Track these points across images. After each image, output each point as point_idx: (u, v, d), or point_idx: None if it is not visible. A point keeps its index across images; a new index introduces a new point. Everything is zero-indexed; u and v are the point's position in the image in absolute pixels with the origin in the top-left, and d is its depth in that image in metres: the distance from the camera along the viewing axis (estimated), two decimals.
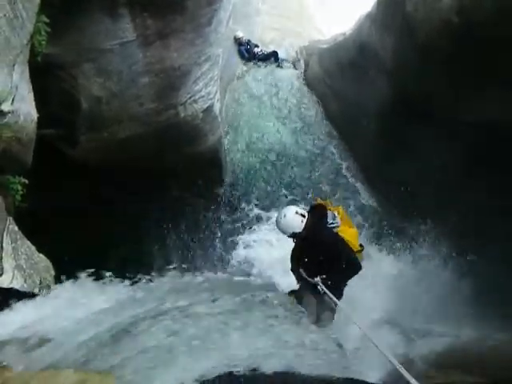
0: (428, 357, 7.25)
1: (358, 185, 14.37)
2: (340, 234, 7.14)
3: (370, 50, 13.76)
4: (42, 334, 3.86)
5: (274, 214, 13.01)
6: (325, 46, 18.30)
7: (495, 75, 9.39)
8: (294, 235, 7.08)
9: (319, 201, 8.07)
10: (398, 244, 11.23)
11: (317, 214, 7.26)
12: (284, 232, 7.05)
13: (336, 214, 7.39)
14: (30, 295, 5.04)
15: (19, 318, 4.11)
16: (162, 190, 11.81)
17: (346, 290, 7.27)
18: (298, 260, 7.39)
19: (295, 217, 6.93)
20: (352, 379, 4.52)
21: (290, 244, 7.53)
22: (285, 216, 6.96)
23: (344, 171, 15.10)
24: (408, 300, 9.35)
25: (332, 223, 7.23)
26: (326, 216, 7.26)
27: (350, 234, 7.25)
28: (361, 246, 7.49)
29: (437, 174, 11.05)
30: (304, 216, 6.97)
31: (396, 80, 12.39)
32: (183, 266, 10.81)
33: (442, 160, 10.85)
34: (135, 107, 10.96)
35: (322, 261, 7.00)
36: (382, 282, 9.40)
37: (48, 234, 7.60)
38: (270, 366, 4.25)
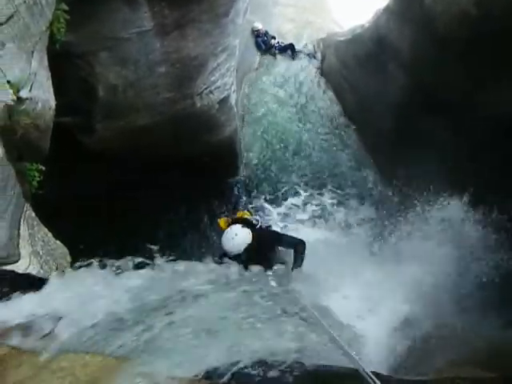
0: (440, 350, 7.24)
1: (374, 176, 14.27)
2: None
3: (388, 42, 13.70)
4: (57, 318, 3.88)
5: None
6: (342, 39, 18.20)
7: None
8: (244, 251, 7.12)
9: (240, 213, 8.39)
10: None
11: (247, 224, 7.44)
12: (238, 250, 7.03)
13: (257, 217, 8.11)
14: (45, 281, 5.06)
15: (34, 302, 4.12)
16: (178, 179, 11.80)
17: None
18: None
19: (244, 230, 7.11)
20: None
21: None
22: (236, 235, 7.04)
23: (359, 163, 15.02)
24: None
25: (261, 223, 7.75)
26: (252, 222, 7.59)
27: None
28: None
29: (452, 164, 10.97)
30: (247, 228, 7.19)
31: (413, 72, 12.35)
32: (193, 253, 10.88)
33: (459, 150, 10.78)
34: (152, 96, 10.98)
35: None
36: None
37: (63, 220, 7.60)
38: (280, 358, 4.26)
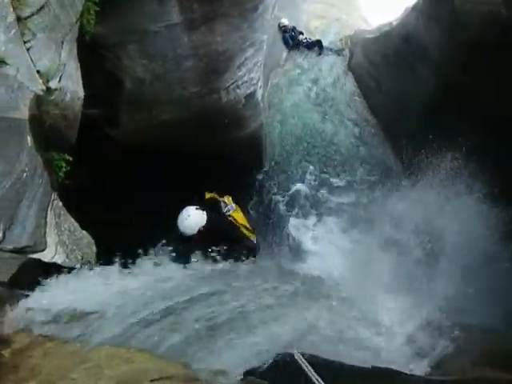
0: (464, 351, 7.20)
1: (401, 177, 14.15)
2: (234, 216, 7.73)
3: (416, 41, 13.63)
4: (83, 308, 3.89)
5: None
6: (370, 36, 18.10)
7: None
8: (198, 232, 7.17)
9: (208, 195, 8.31)
10: None
11: (211, 206, 7.59)
12: (192, 231, 7.13)
13: (226, 201, 7.94)
14: (71, 271, 5.08)
15: (60, 291, 4.14)
16: (202, 173, 11.79)
17: None
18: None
19: (198, 212, 7.20)
20: (389, 368, 4.48)
21: None
22: (189, 216, 7.15)
23: (387, 164, 14.93)
24: None
25: (228, 210, 7.75)
26: (219, 206, 7.79)
27: (241, 217, 7.84)
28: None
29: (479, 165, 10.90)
30: (204, 210, 7.24)
31: (441, 71, 12.26)
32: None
33: (487, 152, 10.69)
34: (178, 90, 11.00)
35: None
36: None
37: (87, 212, 7.63)
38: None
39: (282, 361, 3.91)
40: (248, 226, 7.89)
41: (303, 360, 3.88)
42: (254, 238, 7.86)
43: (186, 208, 7.28)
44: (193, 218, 7.14)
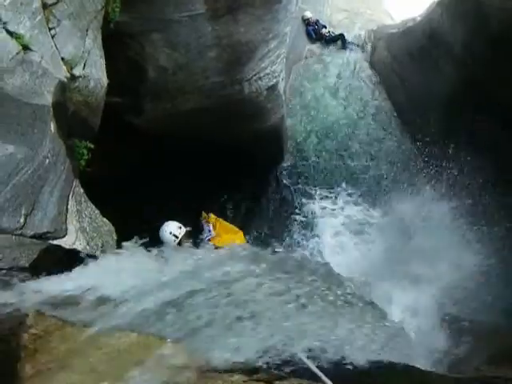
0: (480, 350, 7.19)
1: (424, 174, 14.06)
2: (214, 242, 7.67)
3: (440, 37, 13.55)
4: (103, 294, 3.90)
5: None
6: (393, 31, 17.98)
7: None
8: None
9: (204, 215, 8.37)
10: None
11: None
12: (171, 243, 7.47)
13: (211, 226, 7.92)
14: (92, 257, 5.12)
15: (81, 276, 4.15)
16: (222, 164, 11.81)
17: None
18: None
19: (175, 228, 7.54)
20: (408, 365, 4.47)
21: None
22: (166, 231, 7.51)
23: (408, 159, 14.84)
24: None
25: (206, 236, 7.79)
26: (202, 229, 7.88)
27: (223, 240, 7.75)
28: None
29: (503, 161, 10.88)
30: (177, 237, 7.49)
31: (465, 67, 12.17)
32: None
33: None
34: (201, 80, 11.00)
35: None
36: None
37: (106, 199, 7.67)
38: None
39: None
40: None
41: (307, 360, 3.88)
42: None
43: (167, 223, 7.60)
44: (162, 237, 7.48)
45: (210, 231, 7.82)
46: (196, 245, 7.11)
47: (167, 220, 7.61)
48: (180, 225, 7.60)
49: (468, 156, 11.14)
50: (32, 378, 3.27)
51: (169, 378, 3.27)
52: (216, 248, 7.58)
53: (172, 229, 7.47)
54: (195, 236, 7.64)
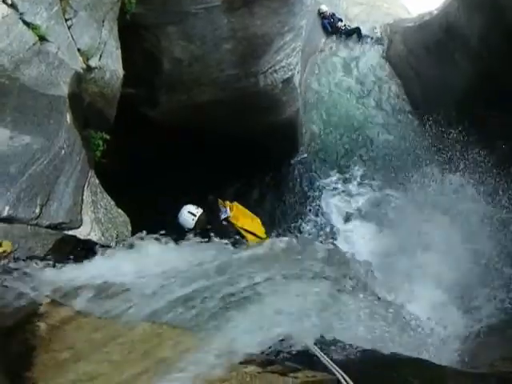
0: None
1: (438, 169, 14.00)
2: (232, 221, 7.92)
3: (457, 31, 13.47)
4: (119, 283, 3.92)
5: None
6: (410, 25, 17.88)
7: None
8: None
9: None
10: None
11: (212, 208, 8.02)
12: (190, 225, 7.65)
13: (228, 208, 8.03)
14: (107, 248, 5.13)
15: (97, 266, 4.17)
16: (237, 156, 11.80)
17: None
18: None
19: (193, 208, 7.74)
20: (422, 359, 4.46)
21: None
22: (185, 211, 7.69)
23: (423, 153, 14.77)
24: None
25: (224, 215, 7.93)
26: (218, 210, 8.00)
27: (242, 223, 8.00)
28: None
29: None
30: (194, 215, 7.66)
31: (482, 63, 12.10)
32: None
33: None
34: (216, 72, 11.00)
35: None
36: None
37: (122, 190, 7.70)
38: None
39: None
40: (253, 230, 8.10)
41: (320, 352, 3.88)
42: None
43: (185, 206, 7.74)
44: (186, 211, 7.66)
45: (226, 211, 7.92)
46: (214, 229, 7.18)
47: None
48: (197, 206, 7.75)
49: (480, 149, 11.14)
50: (47, 368, 3.29)
51: (182, 369, 3.27)
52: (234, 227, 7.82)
53: (190, 208, 7.65)
54: (212, 221, 7.70)
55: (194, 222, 7.58)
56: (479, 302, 9.34)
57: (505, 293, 9.63)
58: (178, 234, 4.80)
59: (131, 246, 4.42)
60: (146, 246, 4.34)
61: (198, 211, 7.66)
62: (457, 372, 4.58)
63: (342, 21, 19.37)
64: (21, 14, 5.16)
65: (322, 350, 3.91)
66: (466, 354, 6.66)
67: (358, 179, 14.14)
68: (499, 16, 11.06)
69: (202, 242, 4.84)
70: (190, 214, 7.60)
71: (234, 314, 4.02)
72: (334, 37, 19.19)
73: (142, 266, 4.16)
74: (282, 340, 4.00)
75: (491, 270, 10.06)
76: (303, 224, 12.97)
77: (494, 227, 10.67)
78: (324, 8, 18.99)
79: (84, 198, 5.84)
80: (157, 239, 4.46)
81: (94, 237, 5.68)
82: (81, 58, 6.26)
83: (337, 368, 3.56)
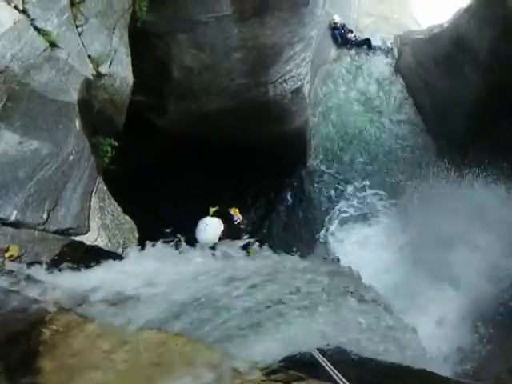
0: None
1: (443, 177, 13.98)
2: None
3: (467, 44, 13.45)
4: (125, 291, 3.91)
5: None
6: (420, 37, 17.88)
7: None
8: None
9: (213, 209, 8.17)
10: None
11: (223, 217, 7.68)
12: (214, 240, 7.07)
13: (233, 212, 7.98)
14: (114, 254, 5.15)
15: (104, 273, 4.17)
16: (246, 165, 11.80)
17: None
18: None
19: (214, 220, 7.27)
20: (426, 370, 4.44)
21: None
22: (207, 225, 7.10)
23: (431, 164, 14.76)
24: None
25: (237, 220, 7.89)
26: (230, 217, 7.82)
27: None
28: None
29: None
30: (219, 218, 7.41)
31: (492, 75, 12.09)
32: None
33: None
34: (226, 81, 11.02)
35: None
36: None
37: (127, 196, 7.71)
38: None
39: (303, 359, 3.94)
40: None
41: (322, 358, 3.87)
42: None
43: (203, 219, 7.27)
44: (211, 227, 7.14)
45: (238, 217, 7.92)
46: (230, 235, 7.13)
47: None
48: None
49: (489, 161, 11.12)
50: (51, 373, 3.29)
51: (188, 377, 3.27)
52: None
53: (209, 222, 7.23)
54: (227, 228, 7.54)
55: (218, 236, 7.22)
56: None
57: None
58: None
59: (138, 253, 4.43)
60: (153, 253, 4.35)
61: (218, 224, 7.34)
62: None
63: (352, 32, 19.38)
64: (32, 19, 5.18)
65: (325, 357, 3.90)
66: (470, 366, 6.64)
67: (367, 190, 14.10)
68: (510, 29, 11.05)
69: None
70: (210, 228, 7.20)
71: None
72: (344, 48, 19.19)
73: (148, 273, 4.16)
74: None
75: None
76: (310, 235, 12.95)
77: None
78: (337, 19, 18.98)
79: (91, 204, 5.84)
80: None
81: (101, 243, 5.68)
82: (91, 65, 6.28)
83: (340, 377, 3.54)
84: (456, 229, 10.82)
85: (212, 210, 8.01)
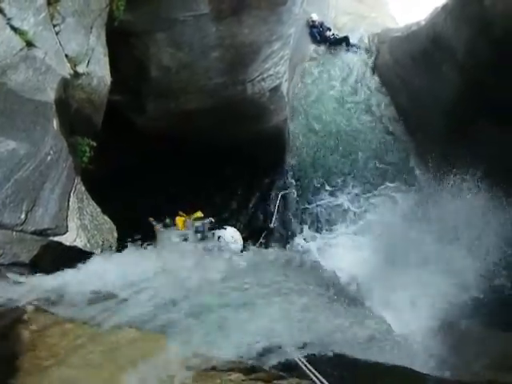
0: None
1: (421, 174, 14.08)
2: None
3: (444, 42, 13.53)
4: (105, 290, 3.92)
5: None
6: (397, 35, 17.95)
7: None
8: None
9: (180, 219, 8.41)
10: None
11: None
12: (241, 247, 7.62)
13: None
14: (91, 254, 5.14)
15: (84, 273, 4.17)
16: (223, 165, 11.82)
17: None
18: None
19: (234, 230, 7.82)
20: (404, 367, 4.48)
21: None
22: (233, 237, 7.61)
23: (409, 161, 14.88)
24: None
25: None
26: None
27: None
28: None
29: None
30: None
31: (469, 73, 12.18)
32: None
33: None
34: (204, 80, 11.02)
35: None
36: None
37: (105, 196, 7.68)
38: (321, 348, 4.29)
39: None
40: None
41: (306, 364, 3.89)
42: None
43: (227, 230, 7.71)
44: (238, 238, 7.63)
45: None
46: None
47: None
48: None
49: (468, 157, 11.21)
50: (30, 374, 3.28)
51: (167, 376, 3.27)
52: None
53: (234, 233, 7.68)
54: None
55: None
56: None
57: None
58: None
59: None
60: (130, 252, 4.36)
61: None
62: (440, 380, 4.60)
63: (330, 30, 19.38)
64: (8, 19, 5.16)
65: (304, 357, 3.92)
66: (445, 362, 6.70)
67: (344, 189, 14.16)
68: (486, 28, 11.15)
69: None
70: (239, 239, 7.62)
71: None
72: (323, 45, 19.21)
73: (126, 272, 4.17)
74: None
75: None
76: (291, 232, 12.99)
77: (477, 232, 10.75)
78: (315, 17, 18.99)
79: (70, 204, 5.81)
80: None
81: (80, 243, 5.66)
82: (68, 64, 6.26)
83: (318, 375, 3.56)
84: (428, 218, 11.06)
85: (180, 220, 8.11)
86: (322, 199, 13.90)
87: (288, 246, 12.47)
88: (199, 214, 8.40)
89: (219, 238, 7.50)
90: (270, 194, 13.59)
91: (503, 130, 10.85)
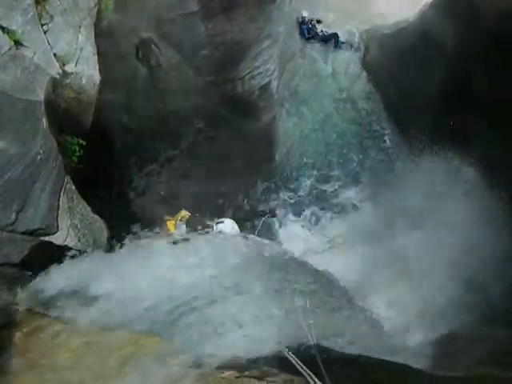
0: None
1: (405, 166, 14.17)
2: None
3: (433, 37, 13.58)
4: (98, 290, 3.91)
5: None
6: (386, 32, 17.97)
7: None
8: None
9: (171, 222, 8.88)
10: None
11: None
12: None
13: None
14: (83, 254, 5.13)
15: (75, 273, 4.16)
16: (212, 163, 11.81)
17: None
18: None
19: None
20: (396, 362, 4.49)
21: None
22: (233, 228, 8.28)
23: (396, 156, 14.95)
24: None
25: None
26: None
27: None
28: None
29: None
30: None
31: (458, 67, 12.23)
32: None
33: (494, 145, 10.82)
34: (194, 78, 10.98)
35: None
36: None
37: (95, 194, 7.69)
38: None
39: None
40: None
41: (293, 357, 3.90)
42: None
43: (226, 222, 8.24)
44: (236, 227, 8.29)
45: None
46: None
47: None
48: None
49: (454, 151, 11.30)
50: (22, 375, 3.27)
51: (160, 375, 3.27)
52: None
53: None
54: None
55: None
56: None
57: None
58: None
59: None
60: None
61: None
62: (433, 375, 4.61)
63: (320, 22, 19.27)
64: None
65: (294, 353, 3.93)
66: (439, 358, 6.73)
67: (333, 184, 14.23)
68: (475, 22, 11.20)
69: None
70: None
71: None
72: (312, 43, 19.16)
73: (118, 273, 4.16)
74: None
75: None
76: (276, 228, 13.09)
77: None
78: (304, 13, 18.94)
79: (60, 203, 5.79)
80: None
81: (71, 242, 5.65)
82: (57, 63, 6.24)
83: (307, 371, 3.57)
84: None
85: (170, 224, 8.35)
86: (311, 192, 14.04)
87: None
88: (183, 213, 8.77)
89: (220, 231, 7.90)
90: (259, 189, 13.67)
91: (490, 123, 10.88)
